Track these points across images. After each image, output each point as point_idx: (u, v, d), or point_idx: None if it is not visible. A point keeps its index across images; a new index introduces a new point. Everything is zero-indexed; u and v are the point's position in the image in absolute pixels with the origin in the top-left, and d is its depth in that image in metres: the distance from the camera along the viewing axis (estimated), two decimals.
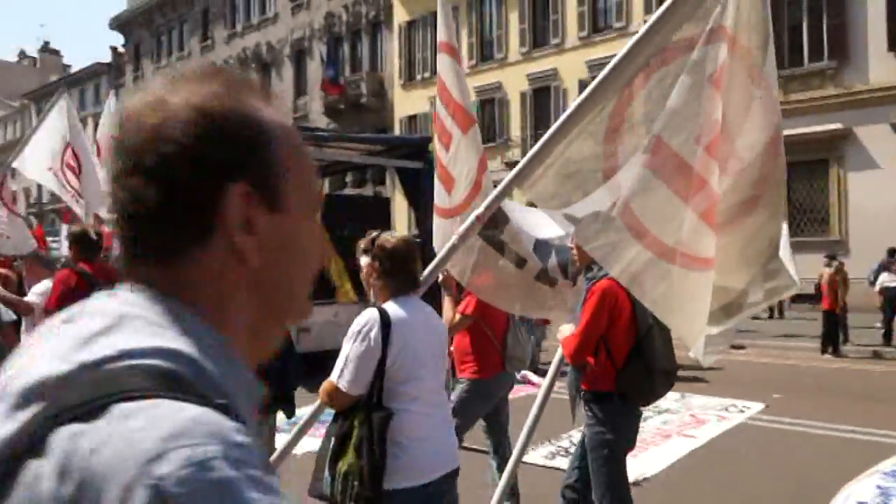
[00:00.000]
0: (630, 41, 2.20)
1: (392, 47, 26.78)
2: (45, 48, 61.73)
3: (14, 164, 7.53)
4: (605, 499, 3.11)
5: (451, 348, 4.23)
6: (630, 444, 3.21)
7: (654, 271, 2.17)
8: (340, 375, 2.43)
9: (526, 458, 5.27)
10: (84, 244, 4.52)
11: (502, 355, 4.20)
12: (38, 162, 7.20)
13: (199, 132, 0.60)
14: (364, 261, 2.66)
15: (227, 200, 0.61)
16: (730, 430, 6.58)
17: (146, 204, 0.60)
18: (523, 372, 9.00)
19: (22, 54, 64.96)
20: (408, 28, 26.33)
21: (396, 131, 26.02)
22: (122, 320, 0.57)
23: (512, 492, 4.14)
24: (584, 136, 2.24)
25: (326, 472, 2.44)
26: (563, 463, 5.30)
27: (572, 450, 5.49)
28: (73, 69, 49.40)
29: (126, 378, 0.51)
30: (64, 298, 4.30)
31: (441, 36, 3.69)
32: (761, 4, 2.07)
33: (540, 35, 23.28)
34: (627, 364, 3.02)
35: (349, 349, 2.45)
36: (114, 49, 41.82)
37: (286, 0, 29.73)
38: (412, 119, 26.08)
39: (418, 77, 25.93)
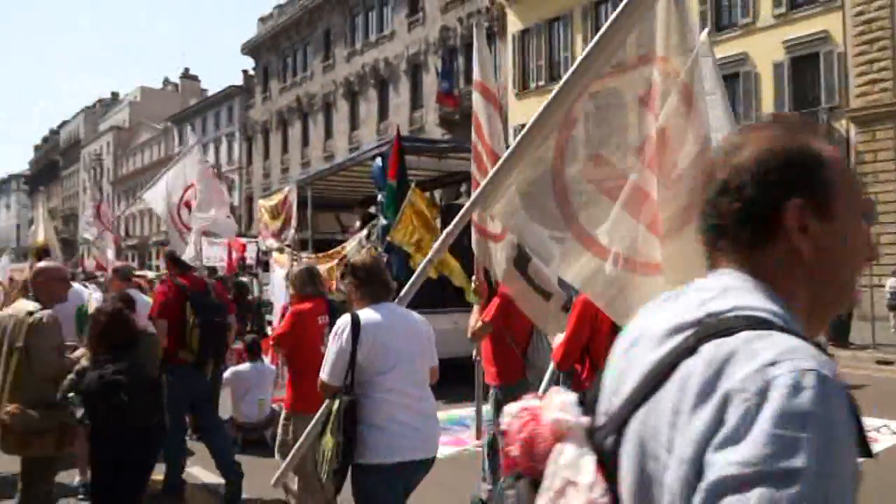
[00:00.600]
0: (568, 71, 2.57)
1: (506, 57, 26.93)
2: (186, 74, 67.27)
3: (145, 196, 8.46)
4: None
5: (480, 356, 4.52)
6: None
7: (603, 277, 2.40)
8: (324, 370, 2.87)
9: None
10: (178, 262, 5.22)
11: (524, 363, 4.32)
12: (160, 199, 7.99)
13: (766, 163, 0.89)
14: (343, 284, 3.10)
15: (788, 211, 0.87)
16: (881, 453, 6.06)
17: (730, 214, 0.90)
18: None
19: (166, 81, 71.17)
20: (521, 37, 26.40)
21: (511, 140, 26.05)
22: (727, 290, 0.86)
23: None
24: (535, 160, 2.52)
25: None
26: None
27: None
28: (210, 93, 53.42)
29: (738, 321, 0.79)
30: (165, 306, 4.87)
31: (476, 75, 3.84)
32: (685, 28, 2.29)
33: None
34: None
35: (330, 348, 2.87)
36: (245, 72, 44.87)
37: (402, 17, 30.68)
38: (524, 127, 26.04)
39: (532, 86, 25.90)
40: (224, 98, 46.91)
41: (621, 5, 2.34)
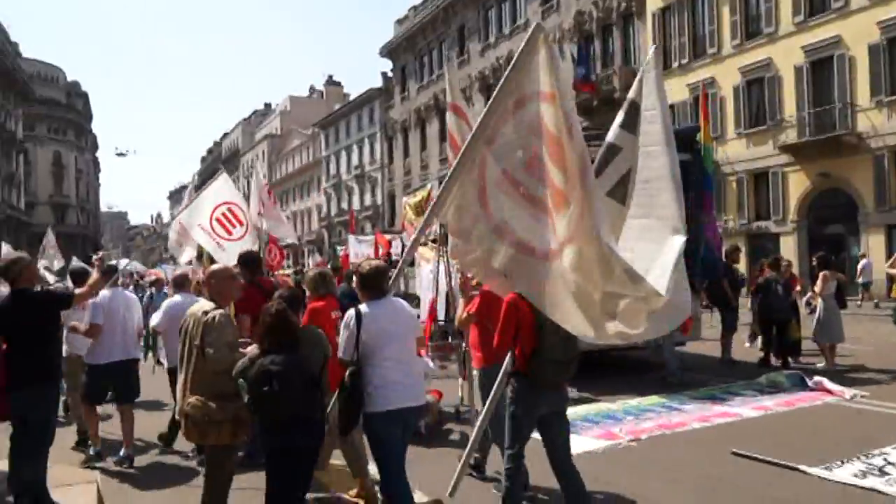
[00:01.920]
0: (484, 109, 3.37)
1: (645, 37, 25.86)
2: (330, 81, 71.00)
3: (180, 218, 9.58)
4: (507, 451, 4.09)
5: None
6: (534, 416, 4.04)
7: (520, 265, 3.16)
8: (339, 351, 3.86)
9: (832, 476, 4.73)
10: (250, 266, 6.01)
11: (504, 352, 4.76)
12: (193, 219, 9.19)
13: None
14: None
15: None
16: None
17: None
18: (816, 378, 8.04)
19: (311, 89, 75.50)
20: (662, 15, 25.22)
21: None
22: None
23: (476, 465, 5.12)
24: (468, 181, 3.23)
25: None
26: (877, 483, 4.65)
27: (888, 469, 4.78)
28: (352, 97, 55.97)
29: None
30: (246, 302, 5.37)
31: (448, 97, 4.57)
32: (556, 67, 3.07)
33: (818, 1, 20.69)
34: (533, 355, 3.90)
35: (342, 334, 3.84)
36: (384, 74, 46.50)
37: (536, 6, 30.36)
38: (669, 109, 24.90)
39: (674, 65, 24.68)
40: (365, 101, 48.94)
41: (515, 58, 3.11)
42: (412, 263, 15.23)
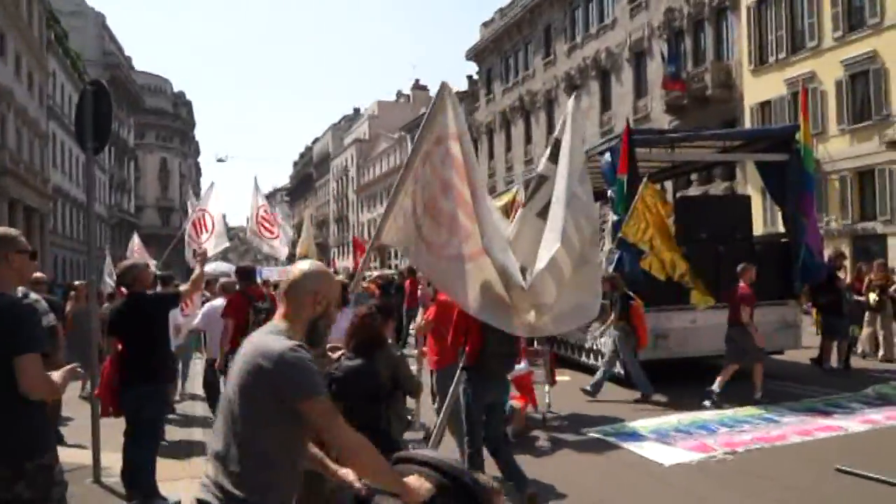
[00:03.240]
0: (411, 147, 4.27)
1: (740, 32, 24.83)
2: (416, 86, 72.07)
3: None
4: (468, 450, 4.65)
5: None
6: (482, 403, 4.75)
7: (447, 274, 3.72)
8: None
9: None
10: (248, 277, 7.33)
11: (455, 352, 5.13)
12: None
13: None
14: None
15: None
16: None
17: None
18: None
19: (398, 94, 76.94)
20: (757, 8, 24.13)
21: (747, 122, 24.00)
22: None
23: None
24: (403, 208, 3.79)
25: None
26: None
27: None
28: None
29: None
30: (232, 308, 6.68)
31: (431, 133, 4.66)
32: (458, 113, 3.67)
33: None
34: (480, 351, 4.60)
35: None
36: (469, 77, 46.80)
37: (624, 4, 29.75)
38: (764, 106, 23.78)
39: (771, 59, 23.56)
40: None
41: (429, 108, 3.73)
42: None
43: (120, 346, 4.70)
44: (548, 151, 4.25)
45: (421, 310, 6.31)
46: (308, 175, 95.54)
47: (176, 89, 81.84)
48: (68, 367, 2.79)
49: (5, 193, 26.78)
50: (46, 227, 34.45)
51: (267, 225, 13.29)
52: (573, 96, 4.58)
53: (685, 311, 8.57)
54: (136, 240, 18.57)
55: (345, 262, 73.18)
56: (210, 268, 21.34)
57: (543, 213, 4.20)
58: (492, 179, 43.12)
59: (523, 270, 3.78)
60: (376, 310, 3.87)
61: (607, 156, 9.08)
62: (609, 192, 9.09)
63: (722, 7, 25.54)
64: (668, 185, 19.55)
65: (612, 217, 8.78)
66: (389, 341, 4.08)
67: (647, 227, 8.23)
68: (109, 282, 15.01)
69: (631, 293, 8.10)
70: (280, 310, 2.24)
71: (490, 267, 3.62)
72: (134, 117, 66.30)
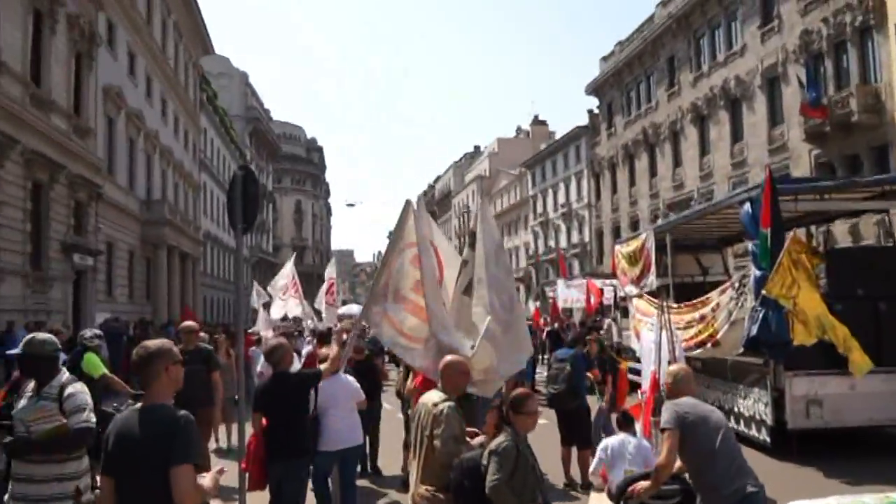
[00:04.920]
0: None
1: (888, 51, 22.92)
2: (535, 121, 72.32)
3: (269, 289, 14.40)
4: None
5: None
6: None
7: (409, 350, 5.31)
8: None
9: None
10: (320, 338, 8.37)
11: None
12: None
13: None
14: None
15: None
16: None
17: None
18: None
19: (518, 129, 77.49)
20: None
21: None
22: None
23: None
24: (379, 291, 5.33)
25: None
26: None
27: None
28: (557, 135, 56.44)
29: None
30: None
31: (412, 237, 5.46)
32: (419, 226, 5.34)
33: None
34: None
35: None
36: (590, 111, 46.37)
37: (754, 29, 28.44)
38: None
39: None
40: (571, 139, 49.10)
41: (396, 223, 5.45)
42: (625, 314, 14.93)
43: (265, 422, 4.97)
44: (468, 240, 5.57)
45: (410, 376, 6.83)
46: (431, 213, 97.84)
47: (309, 136, 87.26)
48: (217, 470, 3.00)
49: (164, 242, 29.57)
50: (198, 270, 37.57)
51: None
52: (482, 199, 6.17)
53: (842, 375, 7.88)
54: (256, 288, 19.84)
55: None
56: (343, 309, 22.39)
57: (468, 291, 5.41)
58: (615, 214, 42.17)
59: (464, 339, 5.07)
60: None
61: (747, 206, 8.62)
62: (750, 246, 8.61)
63: (866, 27, 23.75)
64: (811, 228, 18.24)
65: (755, 272, 8.27)
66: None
67: (792, 283, 7.73)
68: (255, 300, 17.76)
69: (614, 355, 7.99)
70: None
71: (441, 345, 4.85)
72: (272, 164, 71.31)
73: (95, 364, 6.15)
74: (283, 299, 16.10)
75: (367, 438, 7.31)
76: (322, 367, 5.41)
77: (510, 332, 5.18)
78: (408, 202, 5.38)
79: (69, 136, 20.25)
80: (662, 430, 3.47)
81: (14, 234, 16.84)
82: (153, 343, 2.98)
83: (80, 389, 3.73)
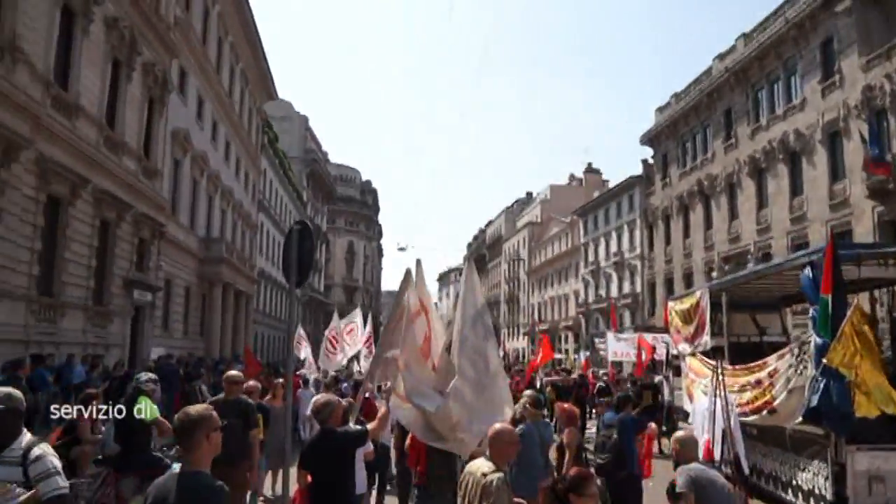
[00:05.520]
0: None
1: None
2: (589, 169, 72.29)
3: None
4: None
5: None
6: None
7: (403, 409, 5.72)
8: None
9: None
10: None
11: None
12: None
13: None
14: None
15: None
16: None
17: None
18: None
19: (571, 177, 77.51)
20: None
21: None
22: None
23: None
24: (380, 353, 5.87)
25: None
26: None
27: None
28: (611, 184, 56.14)
29: None
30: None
31: (411, 299, 5.80)
32: (423, 290, 6.03)
33: None
34: (426, 471, 5.80)
35: None
36: (644, 161, 46.08)
37: (814, 83, 27.98)
38: None
39: None
40: (625, 188, 48.76)
41: (399, 289, 5.91)
42: (677, 373, 14.51)
43: (310, 478, 4.96)
44: (454, 303, 6.08)
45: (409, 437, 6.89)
46: (481, 256, 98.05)
47: (364, 178, 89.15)
48: None
49: (220, 279, 30.40)
50: (251, 307, 38.39)
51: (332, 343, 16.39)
52: (467, 261, 6.41)
53: None
54: (300, 332, 20.17)
55: (513, 343, 73.19)
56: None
57: (450, 349, 5.71)
58: (668, 266, 41.38)
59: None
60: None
61: (807, 270, 8.34)
62: (811, 311, 8.30)
63: None
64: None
65: (816, 339, 7.95)
66: None
67: (854, 353, 7.40)
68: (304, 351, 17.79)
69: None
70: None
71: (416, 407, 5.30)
72: (327, 205, 73.00)
73: (149, 408, 6.32)
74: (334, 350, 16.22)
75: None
76: (370, 425, 5.41)
77: (485, 393, 5.45)
78: (407, 271, 5.86)
79: (138, 177, 21.24)
80: (679, 495, 3.65)
81: (80, 270, 17.61)
82: (195, 410, 3.04)
83: (47, 451, 3.39)
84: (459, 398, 5.26)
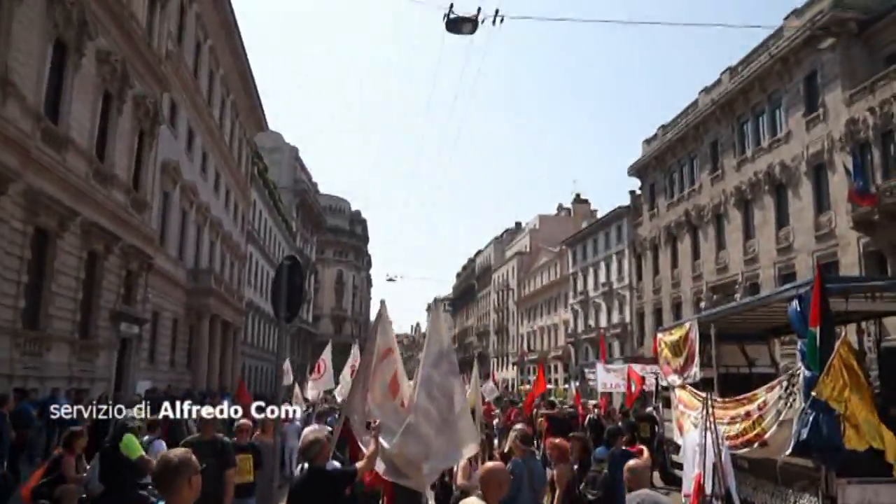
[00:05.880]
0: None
1: None
2: (577, 200, 72.80)
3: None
4: None
5: None
6: None
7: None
8: None
9: None
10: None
11: None
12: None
13: None
14: None
15: None
16: None
17: None
18: None
19: (559, 207, 78.02)
20: None
21: None
22: None
23: None
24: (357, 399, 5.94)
25: None
26: None
27: None
28: (599, 214, 56.59)
29: None
30: None
31: (378, 341, 6.05)
32: (389, 331, 6.41)
33: None
34: None
35: None
36: (632, 192, 46.54)
37: (798, 116, 28.52)
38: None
39: None
40: (613, 218, 49.14)
41: (372, 328, 6.36)
42: (667, 404, 14.48)
43: None
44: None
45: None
46: (470, 287, 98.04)
47: (353, 208, 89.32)
48: None
49: (208, 311, 30.17)
50: (238, 339, 38.06)
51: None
52: (434, 301, 8.28)
53: None
54: (286, 364, 20.25)
55: (503, 374, 72.79)
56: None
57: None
58: (657, 296, 41.53)
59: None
60: None
61: (795, 304, 8.40)
62: (799, 344, 8.35)
63: None
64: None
65: (805, 372, 7.99)
66: None
67: (843, 387, 7.43)
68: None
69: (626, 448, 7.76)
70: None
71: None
72: (317, 235, 72.94)
73: (134, 446, 6.23)
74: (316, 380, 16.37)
75: None
76: (358, 465, 5.34)
77: (446, 431, 5.62)
78: (379, 312, 6.30)
79: (127, 209, 21.20)
80: None
81: (66, 303, 17.44)
82: (176, 454, 2.99)
83: None
84: (414, 434, 5.40)
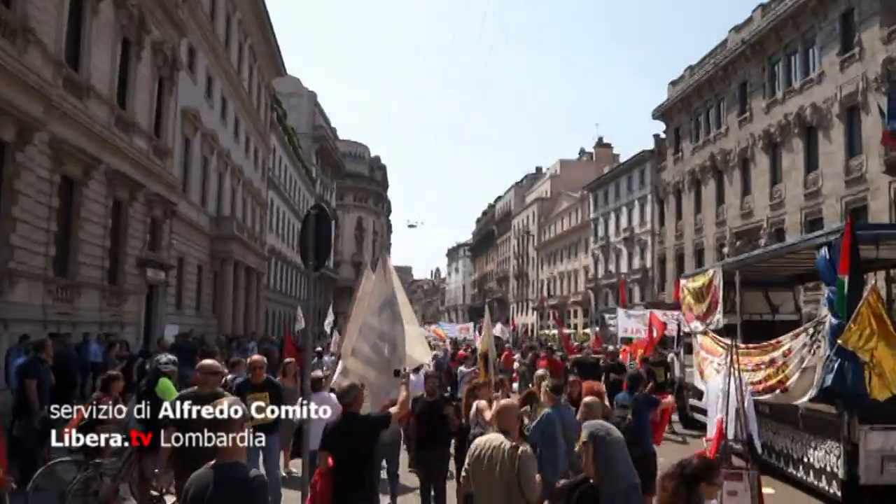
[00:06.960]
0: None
1: None
2: (599, 143, 71.66)
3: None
4: None
5: None
6: None
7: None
8: None
9: None
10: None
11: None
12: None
13: None
14: None
15: None
16: None
17: None
18: None
19: (581, 152, 76.96)
20: None
21: None
22: None
23: None
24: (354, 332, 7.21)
25: None
26: None
27: None
28: (622, 159, 55.72)
29: None
30: None
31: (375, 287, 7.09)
32: (390, 280, 7.30)
33: None
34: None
35: None
36: (656, 136, 45.64)
37: (833, 56, 27.50)
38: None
39: None
40: (636, 163, 48.39)
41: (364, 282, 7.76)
42: (688, 350, 14.52)
43: (331, 460, 4.97)
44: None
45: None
46: (490, 232, 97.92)
47: (373, 154, 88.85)
48: None
49: (231, 257, 30.58)
50: (262, 284, 38.64)
51: None
52: (379, 258, 7.59)
53: None
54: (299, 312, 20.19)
55: (522, 318, 73.42)
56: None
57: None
58: (679, 241, 41.20)
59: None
60: None
61: (824, 251, 8.28)
62: (826, 292, 8.27)
63: None
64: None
65: (831, 319, 7.93)
66: None
67: (871, 335, 7.39)
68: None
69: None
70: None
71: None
72: (336, 181, 72.92)
73: (169, 390, 6.41)
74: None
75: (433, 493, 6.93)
76: (392, 410, 5.44)
77: (386, 370, 6.60)
78: (368, 265, 7.49)
79: (149, 157, 21.29)
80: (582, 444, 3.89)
81: (94, 250, 17.76)
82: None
83: None
84: (354, 374, 6.41)
